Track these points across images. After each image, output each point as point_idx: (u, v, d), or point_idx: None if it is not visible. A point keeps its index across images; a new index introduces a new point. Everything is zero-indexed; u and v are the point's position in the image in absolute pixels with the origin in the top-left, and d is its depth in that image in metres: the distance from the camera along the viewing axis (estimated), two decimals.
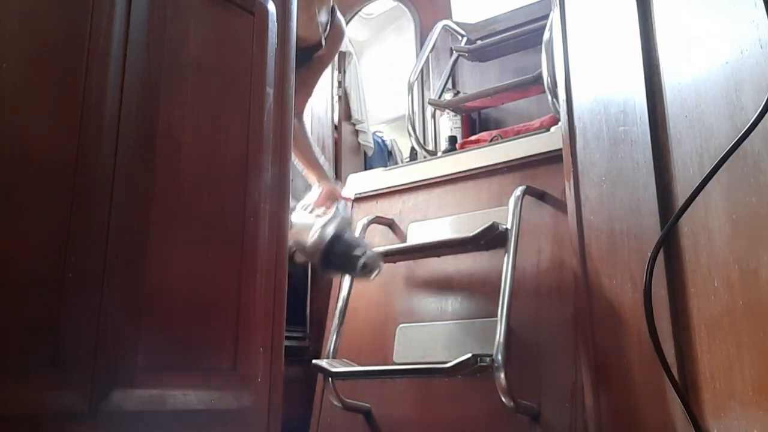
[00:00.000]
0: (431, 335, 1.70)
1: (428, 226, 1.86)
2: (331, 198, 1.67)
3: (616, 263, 1.06)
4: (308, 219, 1.57)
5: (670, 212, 0.93)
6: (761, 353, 0.76)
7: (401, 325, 1.75)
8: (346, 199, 1.69)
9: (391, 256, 1.77)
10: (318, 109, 2.70)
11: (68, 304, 0.79)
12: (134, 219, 0.88)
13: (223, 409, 0.96)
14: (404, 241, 1.88)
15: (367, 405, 1.71)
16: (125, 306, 0.85)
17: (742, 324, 0.79)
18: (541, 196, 1.65)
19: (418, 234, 1.87)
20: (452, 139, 2.33)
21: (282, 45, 1.15)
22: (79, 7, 0.86)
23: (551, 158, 1.63)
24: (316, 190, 1.70)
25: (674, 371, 0.86)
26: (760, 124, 0.75)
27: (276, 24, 1.13)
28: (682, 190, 0.91)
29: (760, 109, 0.74)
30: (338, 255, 1.46)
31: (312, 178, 1.75)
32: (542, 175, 1.66)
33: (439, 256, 1.76)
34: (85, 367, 0.79)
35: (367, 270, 1.45)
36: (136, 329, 0.86)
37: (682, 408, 0.84)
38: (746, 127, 0.76)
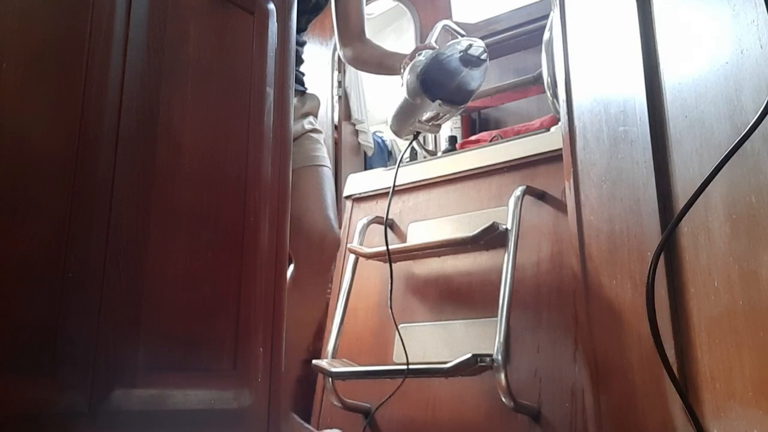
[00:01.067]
0: (431, 335, 1.70)
1: (428, 226, 1.86)
2: (416, 51, 1.54)
3: (616, 263, 1.06)
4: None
5: (670, 212, 0.93)
6: (761, 353, 0.76)
7: (401, 325, 1.75)
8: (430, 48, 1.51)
9: (391, 256, 1.76)
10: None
11: (68, 304, 0.79)
12: (134, 219, 0.88)
13: (223, 409, 0.96)
14: (404, 241, 1.88)
15: (367, 405, 1.71)
16: (125, 306, 0.85)
17: (742, 324, 0.79)
18: (541, 196, 1.65)
19: (418, 234, 1.87)
20: (452, 139, 2.33)
21: (282, 45, 1.15)
22: (79, 6, 0.86)
23: (551, 158, 1.63)
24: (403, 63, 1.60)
25: (674, 371, 0.86)
26: (760, 125, 0.75)
27: (276, 24, 1.13)
28: (682, 190, 0.91)
29: (760, 111, 0.74)
30: (438, 73, 1.32)
31: (394, 66, 1.66)
32: (542, 175, 1.67)
33: (439, 256, 1.76)
34: (85, 367, 0.79)
35: (477, 58, 1.30)
36: (136, 329, 0.86)
37: (684, 408, 0.84)
38: (747, 129, 0.76)
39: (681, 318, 0.90)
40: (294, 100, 1.65)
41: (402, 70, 1.52)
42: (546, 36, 1.80)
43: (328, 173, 1.66)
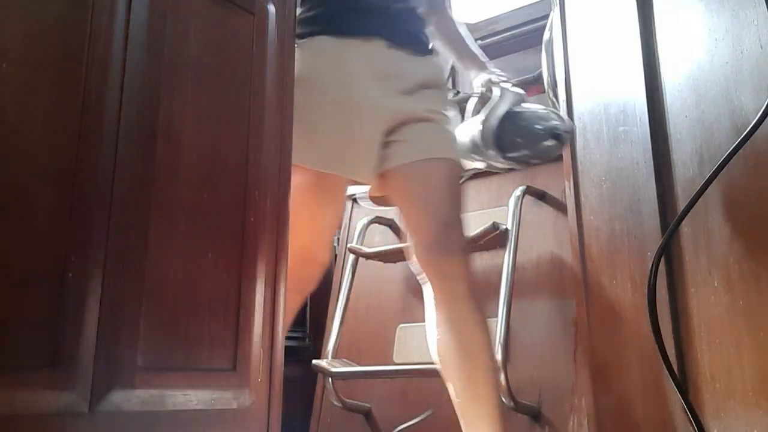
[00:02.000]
0: None
1: None
2: (485, 83, 1.32)
3: (616, 263, 1.06)
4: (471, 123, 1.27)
5: (670, 212, 0.93)
6: (761, 353, 0.76)
7: (401, 325, 1.75)
8: (503, 81, 1.31)
9: (391, 256, 1.77)
10: None
11: (68, 304, 0.79)
12: (134, 219, 0.88)
13: (223, 409, 0.96)
14: (404, 241, 1.88)
15: (367, 405, 1.71)
16: (125, 306, 0.85)
17: (742, 324, 0.79)
18: (541, 196, 1.65)
19: None
20: None
21: (282, 45, 1.15)
22: (79, 6, 0.86)
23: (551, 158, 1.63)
24: (476, 82, 1.36)
25: (675, 371, 0.86)
26: (760, 126, 0.75)
27: (276, 24, 1.13)
28: (682, 190, 0.92)
29: (761, 112, 0.75)
30: (517, 132, 1.19)
31: (471, 71, 1.40)
32: (542, 175, 1.67)
33: None
34: (85, 367, 0.79)
35: (557, 135, 1.16)
36: (136, 329, 0.86)
37: (684, 408, 0.84)
38: (747, 130, 0.76)
39: (681, 318, 0.90)
40: (406, 64, 1.24)
41: (475, 89, 1.33)
42: (546, 36, 1.80)
43: (451, 167, 1.24)
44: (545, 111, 1.21)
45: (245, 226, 1.02)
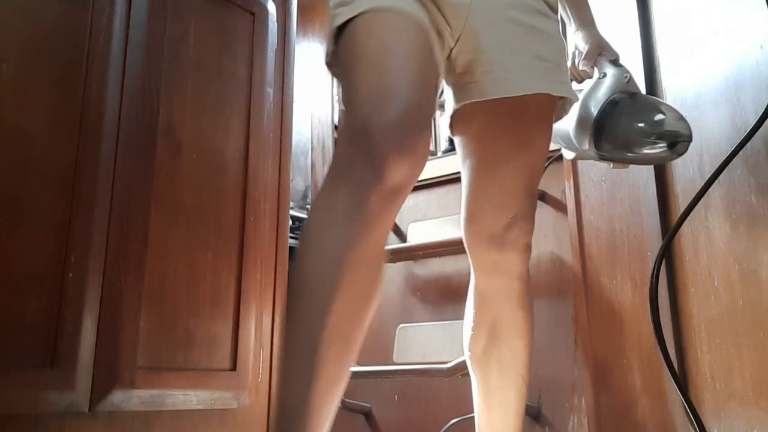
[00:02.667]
0: (431, 335, 1.70)
1: (428, 226, 1.86)
2: (593, 56, 1.02)
3: (616, 263, 1.06)
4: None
5: (670, 212, 0.93)
6: (761, 353, 0.76)
7: (401, 325, 1.75)
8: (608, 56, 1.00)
9: (391, 256, 1.76)
10: (318, 109, 2.70)
11: (68, 304, 0.79)
12: (134, 219, 0.88)
13: (223, 409, 0.96)
14: (404, 241, 1.88)
15: (367, 405, 1.71)
16: (125, 306, 0.85)
17: (742, 324, 0.79)
18: (541, 196, 1.65)
19: (418, 234, 1.87)
20: (452, 140, 2.33)
21: (282, 45, 1.15)
22: (79, 7, 0.86)
23: (551, 158, 1.63)
24: (581, 44, 1.04)
25: (676, 371, 0.87)
26: (761, 127, 0.75)
27: (276, 24, 1.13)
28: (682, 190, 0.91)
29: (761, 113, 0.74)
30: (620, 128, 0.94)
31: (574, 21, 1.06)
32: (542, 175, 1.66)
33: (439, 256, 1.76)
34: (85, 367, 0.79)
35: (673, 143, 0.88)
36: (136, 329, 0.86)
37: (684, 408, 0.84)
38: (747, 131, 0.76)
39: (681, 318, 0.90)
40: None
41: (576, 54, 1.03)
42: None
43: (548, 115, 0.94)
44: (659, 105, 0.96)
45: (245, 226, 1.02)
